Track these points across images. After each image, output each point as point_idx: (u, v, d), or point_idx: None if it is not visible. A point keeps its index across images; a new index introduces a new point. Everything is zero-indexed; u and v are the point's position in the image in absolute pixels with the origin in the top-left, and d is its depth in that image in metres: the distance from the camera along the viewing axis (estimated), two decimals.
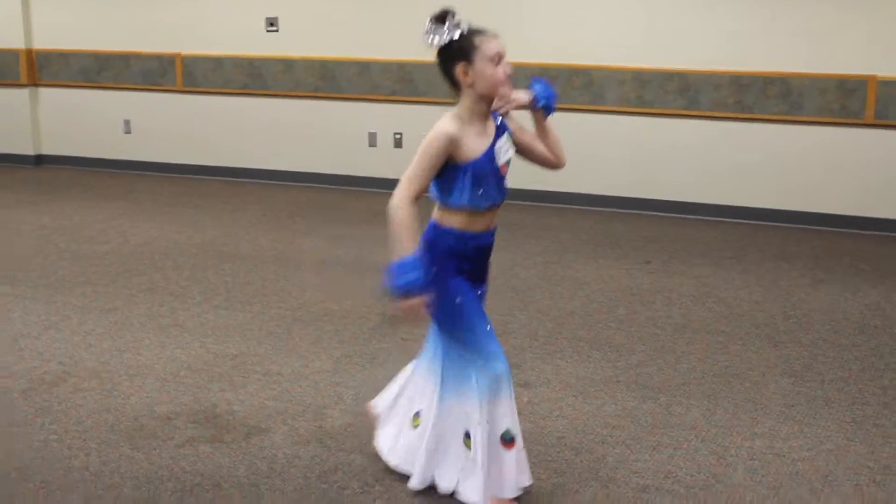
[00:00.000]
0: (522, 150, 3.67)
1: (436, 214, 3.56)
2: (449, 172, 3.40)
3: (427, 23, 3.42)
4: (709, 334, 5.54)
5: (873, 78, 7.75)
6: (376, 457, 4.01)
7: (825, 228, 8.03)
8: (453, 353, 3.58)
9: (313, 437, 4.19)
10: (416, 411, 3.75)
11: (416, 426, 3.74)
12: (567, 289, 6.31)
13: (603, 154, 8.58)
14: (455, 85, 3.46)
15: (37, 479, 3.82)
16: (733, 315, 5.87)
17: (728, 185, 8.32)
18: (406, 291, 3.24)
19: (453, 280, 3.53)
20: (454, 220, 3.51)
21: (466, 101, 3.46)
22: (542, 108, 3.58)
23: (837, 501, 3.72)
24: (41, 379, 4.80)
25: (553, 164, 3.72)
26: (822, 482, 3.86)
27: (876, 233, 7.90)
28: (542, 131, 3.66)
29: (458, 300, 3.53)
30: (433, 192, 3.50)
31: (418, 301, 3.27)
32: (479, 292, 3.66)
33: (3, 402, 4.52)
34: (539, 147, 3.68)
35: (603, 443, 4.17)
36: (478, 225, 3.53)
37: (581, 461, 4.00)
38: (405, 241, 3.28)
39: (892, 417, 4.47)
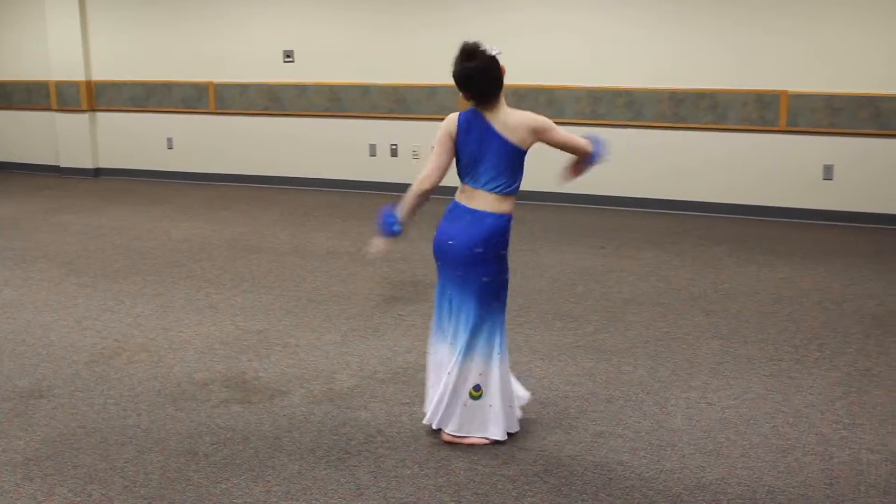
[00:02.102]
0: None
1: (497, 206, 3.55)
2: (522, 160, 3.63)
3: (479, 47, 3.47)
4: (652, 306, 5.54)
5: (785, 92, 7.75)
6: (378, 412, 4.01)
7: (746, 217, 8.03)
8: (483, 320, 3.58)
9: (325, 398, 4.18)
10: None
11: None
12: (535, 271, 6.31)
13: (563, 160, 8.53)
14: (499, 89, 3.52)
15: (97, 435, 3.81)
16: (672, 290, 5.87)
17: (667, 182, 8.31)
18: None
19: (506, 260, 3.62)
20: (511, 206, 3.60)
21: (504, 100, 3.57)
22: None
23: (758, 440, 3.72)
24: (100, 353, 4.78)
25: None
26: (745, 425, 3.87)
27: (786, 220, 7.91)
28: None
29: (508, 276, 3.64)
30: (504, 182, 3.55)
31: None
32: None
33: (70, 373, 4.50)
34: None
35: (565, 397, 4.17)
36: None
37: (548, 412, 4.00)
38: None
39: (802, 371, 4.48)
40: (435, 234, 3.65)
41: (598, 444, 3.71)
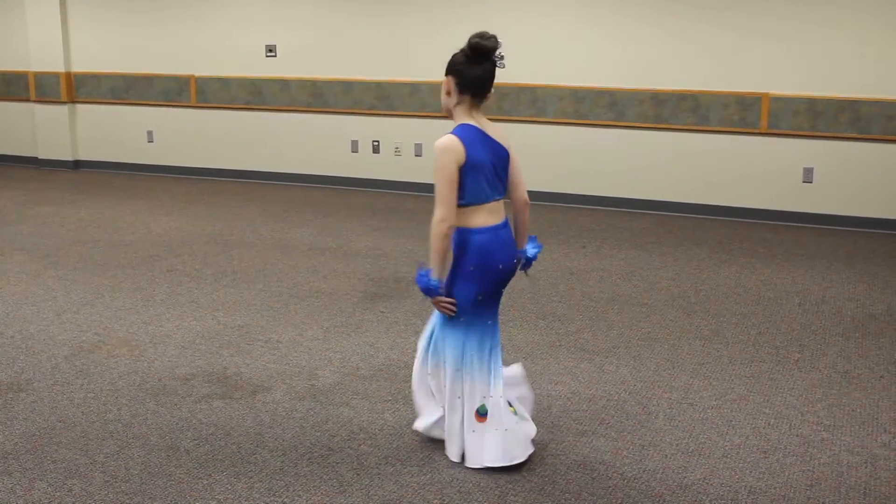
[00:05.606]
0: None
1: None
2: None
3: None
4: (634, 306, 5.55)
5: (766, 95, 7.79)
6: (361, 409, 4.00)
7: (727, 218, 8.07)
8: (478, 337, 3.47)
9: (307, 394, 4.16)
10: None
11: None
12: None
13: (545, 158, 8.57)
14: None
15: (77, 430, 3.78)
16: (654, 290, 5.89)
17: (649, 182, 8.34)
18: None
19: None
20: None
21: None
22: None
23: (739, 441, 3.74)
24: (80, 347, 4.74)
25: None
26: (726, 426, 3.89)
27: (767, 222, 7.95)
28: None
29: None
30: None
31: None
32: None
33: (50, 366, 4.46)
34: None
35: (548, 396, 4.17)
36: None
37: (530, 412, 4.00)
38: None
39: (783, 372, 4.50)
40: (501, 255, 3.43)
41: (581, 443, 3.72)
